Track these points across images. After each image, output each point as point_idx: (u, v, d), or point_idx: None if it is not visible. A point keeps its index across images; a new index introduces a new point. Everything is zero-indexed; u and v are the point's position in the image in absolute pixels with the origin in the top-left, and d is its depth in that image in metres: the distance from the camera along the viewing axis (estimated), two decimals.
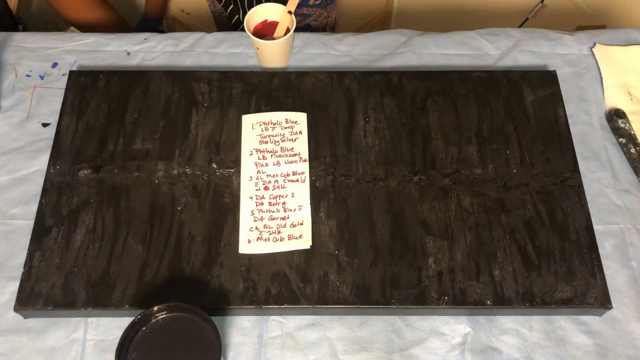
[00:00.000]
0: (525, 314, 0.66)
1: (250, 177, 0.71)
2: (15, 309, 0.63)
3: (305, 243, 0.67)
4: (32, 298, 0.63)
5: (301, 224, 0.68)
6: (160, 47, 0.86)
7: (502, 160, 0.73)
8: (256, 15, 0.81)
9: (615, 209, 0.73)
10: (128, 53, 0.86)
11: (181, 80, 0.78)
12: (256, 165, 0.72)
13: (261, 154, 0.73)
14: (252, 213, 0.69)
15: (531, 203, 0.70)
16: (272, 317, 0.66)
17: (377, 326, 0.66)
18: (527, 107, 0.77)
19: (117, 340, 0.56)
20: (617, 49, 0.86)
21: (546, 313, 0.66)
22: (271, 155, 0.73)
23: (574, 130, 0.76)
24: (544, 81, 0.79)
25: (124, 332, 0.56)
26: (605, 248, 0.70)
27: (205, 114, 0.76)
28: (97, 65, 0.84)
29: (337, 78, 0.79)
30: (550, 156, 0.73)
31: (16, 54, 0.85)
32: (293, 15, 0.80)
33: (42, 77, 0.83)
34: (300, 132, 0.74)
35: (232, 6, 1.09)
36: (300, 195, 0.70)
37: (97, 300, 0.63)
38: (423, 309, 0.64)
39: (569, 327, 0.66)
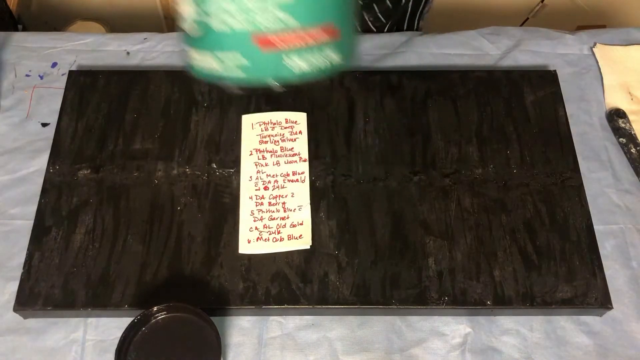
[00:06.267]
0: (525, 314, 0.66)
1: (250, 177, 0.71)
2: (15, 309, 0.63)
3: (305, 243, 0.67)
4: (31, 298, 0.63)
5: (301, 224, 0.68)
6: (160, 47, 0.86)
7: (502, 160, 0.73)
8: None
9: (616, 209, 0.73)
10: (128, 53, 0.85)
11: (181, 80, 0.78)
12: (256, 165, 0.72)
13: (261, 154, 0.73)
14: (252, 213, 0.69)
15: (531, 203, 0.70)
16: (272, 318, 0.66)
17: (377, 326, 0.66)
18: (528, 107, 0.77)
19: (117, 341, 0.56)
20: (618, 49, 0.86)
21: (546, 313, 0.66)
22: (271, 155, 0.73)
23: (574, 130, 0.76)
24: (545, 81, 0.79)
25: (123, 332, 0.56)
26: (606, 248, 0.70)
27: (205, 113, 0.76)
28: (96, 65, 0.84)
29: (337, 78, 0.79)
30: (551, 156, 0.73)
31: (16, 54, 0.85)
32: None
33: (41, 77, 0.83)
34: (300, 132, 0.74)
35: None
36: (300, 195, 0.70)
37: (97, 300, 0.63)
38: (423, 309, 0.64)
39: (570, 327, 0.66)
